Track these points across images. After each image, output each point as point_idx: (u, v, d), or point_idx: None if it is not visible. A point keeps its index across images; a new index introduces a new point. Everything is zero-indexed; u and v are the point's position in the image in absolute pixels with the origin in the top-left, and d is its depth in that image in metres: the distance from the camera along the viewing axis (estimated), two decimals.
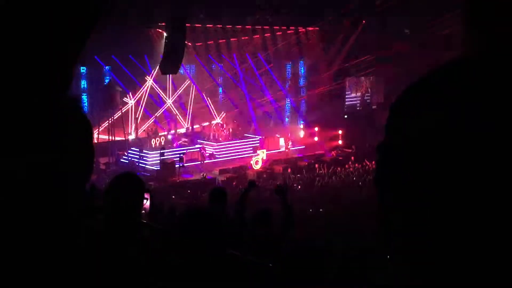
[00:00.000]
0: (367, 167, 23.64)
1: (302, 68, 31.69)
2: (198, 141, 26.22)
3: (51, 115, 0.85)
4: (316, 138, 29.16)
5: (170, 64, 21.24)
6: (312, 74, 30.55)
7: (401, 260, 0.86)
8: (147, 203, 5.93)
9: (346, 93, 31.62)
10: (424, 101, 0.89)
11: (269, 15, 26.25)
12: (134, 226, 2.74)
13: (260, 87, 29.99)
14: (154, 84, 26.45)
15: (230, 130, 27.69)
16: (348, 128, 28.76)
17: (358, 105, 32.22)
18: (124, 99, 25.57)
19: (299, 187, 21.21)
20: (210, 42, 28.03)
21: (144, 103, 26.17)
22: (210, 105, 28.88)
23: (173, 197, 18.78)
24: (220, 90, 30.24)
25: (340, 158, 26.57)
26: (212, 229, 2.27)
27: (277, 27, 29.00)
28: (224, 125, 27.74)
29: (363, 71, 30.32)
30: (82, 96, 24.21)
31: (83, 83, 24.36)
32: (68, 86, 0.88)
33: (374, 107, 31.61)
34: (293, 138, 28.25)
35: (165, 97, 27.27)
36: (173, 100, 27.48)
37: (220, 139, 26.59)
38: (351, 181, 22.05)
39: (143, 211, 4.85)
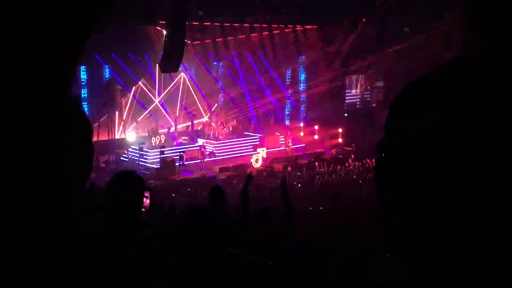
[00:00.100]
0: (367, 165, 23.65)
1: (302, 67, 31.68)
2: (198, 139, 26.27)
3: (51, 115, 0.85)
4: (316, 136, 29.18)
5: (170, 63, 21.20)
6: (312, 73, 30.54)
7: (400, 259, 0.86)
8: (147, 201, 5.93)
9: (346, 91, 31.62)
10: (424, 101, 0.89)
11: (268, 14, 26.22)
12: (134, 225, 2.74)
13: (260, 85, 29.98)
14: (145, 82, 26.42)
15: (230, 128, 27.70)
16: (348, 126, 28.77)
17: (358, 103, 32.23)
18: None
19: (299, 185, 21.22)
20: (208, 41, 28.03)
21: (132, 103, 26.08)
22: (198, 103, 28.68)
23: (173, 195, 18.80)
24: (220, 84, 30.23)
25: (340, 156, 26.58)
26: (212, 227, 2.27)
27: (276, 26, 28.99)
28: (224, 123, 27.75)
29: (363, 69, 30.33)
30: (82, 95, 24.18)
31: (83, 82, 24.33)
32: (68, 85, 0.88)
33: (374, 105, 31.62)
34: (293, 136, 28.25)
35: (152, 96, 27.04)
36: (159, 99, 27.25)
37: (220, 137, 26.59)
38: (351, 179, 22.06)
39: (143, 209, 4.84)
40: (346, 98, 31.72)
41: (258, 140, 26.99)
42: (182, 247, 2.29)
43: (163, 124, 27.06)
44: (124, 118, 25.93)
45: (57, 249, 0.84)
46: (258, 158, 24.94)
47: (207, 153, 25.14)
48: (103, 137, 24.35)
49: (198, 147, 25.20)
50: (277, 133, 28.24)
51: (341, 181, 21.95)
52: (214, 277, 2.20)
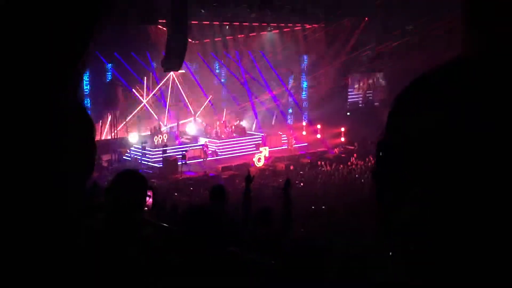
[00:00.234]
0: (369, 164, 23.62)
1: (305, 65, 31.68)
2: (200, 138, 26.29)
3: (51, 115, 0.85)
4: (318, 135, 29.18)
5: (173, 61, 21.21)
6: (314, 72, 30.53)
7: (400, 259, 0.86)
8: (150, 201, 5.94)
9: (349, 90, 31.60)
10: (424, 100, 0.89)
11: (271, 12, 26.23)
12: (137, 224, 2.74)
13: (262, 84, 29.99)
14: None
15: (233, 127, 27.72)
16: (350, 125, 28.75)
17: (360, 102, 32.20)
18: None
19: (302, 184, 21.21)
20: (210, 40, 28.02)
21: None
22: (187, 101, 28.57)
23: (176, 194, 18.80)
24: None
25: (343, 155, 26.57)
26: (213, 226, 2.27)
27: (279, 25, 29.00)
28: (227, 122, 27.76)
29: (366, 68, 30.31)
30: (84, 94, 24.21)
31: (85, 81, 24.36)
32: (69, 85, 0.89)
33: (376, 104, 31.59)
34: (295, 135, 28.26)
35: (140, 96, 26.86)
36: (148, 99, 27.11)
37: (223, 136, 26.60)
38: (354, 178, 22.04)
39: (146, 208, 4.85)
40: (349, 97, 31.70)
41: (260, 139, 26.99)
42: (183, 246, 2.30)
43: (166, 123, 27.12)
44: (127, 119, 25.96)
45: (57, 248, 0.84)
46: (260, 157, 24.94)
47: (210, 152, 25.16)
48: (106, 136, 24.41)
49: (201, 146, 25.21)
50: (279, 132, 28.24)
51: (343, 180, 21.93)
52: (215, 276, 2.20)
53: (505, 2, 0.83)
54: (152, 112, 27.27)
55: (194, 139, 26.64)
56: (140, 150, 24.01)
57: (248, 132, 28.09)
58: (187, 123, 28.12)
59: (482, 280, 0.73)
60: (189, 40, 22.53)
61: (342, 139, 28.75)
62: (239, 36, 29.05)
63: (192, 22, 23.48)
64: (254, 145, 26.71)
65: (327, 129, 29.09)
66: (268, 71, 29.91)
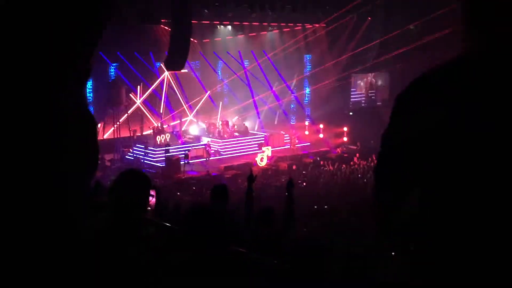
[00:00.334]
0: (372, 164, 23.60)
1: (308, 65, 31.67)
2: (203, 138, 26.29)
3: (51, 115, 0.85)
4: (321, 135, 29.17)
5: (176, 61, 21.22)
6: (317, 71, 30.50)
7: (401, 259, 0.86)
8: (153, 200, 5.94)
9: (351, 89, 31.56)
10: (425, 100, 0.89)
11: (273, 12, 26.21)
12: (139, 223, 2.74)
13: (265, 84, 29.99)
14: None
15: (235, 127, 27.72)
16: (353, 125, 28.72)
17: (363, 101, 32.15)
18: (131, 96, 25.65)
19: (304, 183, 21.19)
20: (206, 40, 28.00)
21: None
22: (182, 100, 28.44)
23: (178, 193, 18.80)
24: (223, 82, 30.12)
25: (345, 155, 26.54)
26: (215, 226, 2.28)
27: (282, 24, 28.99)
28: (230, 122, 27.76)
29: (368, 68, 30.25)
30: (88, 93, 24.25)
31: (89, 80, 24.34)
32: (69, 85, 0.89)
33: (379, 103, 31.54)
34: (298, 135, 28.25)
35: (134, 98, 26.76)
36: (141, 100, 26.94)
37: (225, 136, 26.60)
38: (356, 178, 22.01)
39: (149, 208, 4.85)
40: (351, 96, 31.65)
41: (263, 138, 26.99)
42: (185, 245, 2.30)
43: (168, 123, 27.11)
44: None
45: (58, 247, 0.85)
46: (263, 157, 24.93)
47: (212, 151, 25.16)
48: (109, 135, 24.44)
49: (203, 146, 25.22)
50: (282, 131, 28.23)
51: (346, 180, 21.90)
52: (217, 276, 2.21)
53: (505, 2, 0.83)
54: (146, 112, 27.08)
55: (197, 138, 26.64)
56: (143, 150, 24.03)
57: (250, 131, 28.09)
58: (184, 123, 28.06)
59: (482, 280, 0.74)
60: (192, 39, 22.56)
61: (345, 138, 28.73)
62: (240, 36, 29.04)
63: (193, 22, 23.45)
64: (256, 145, 26.71)
65: (330, 129, 29.08)
66: (271, 70, 29.90)
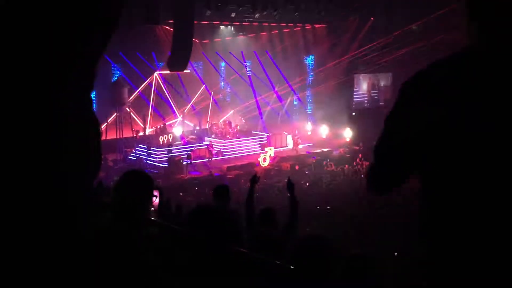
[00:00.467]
0: None
1: (310, 65, 31.66)
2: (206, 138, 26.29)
3: (51, 115, 0.85)
4: (323, 135, 29.17)
5: (178, 61, 21.22)
6: (319, 71, 30.49)
7: (403, 260, 0.87)
8: (156, 201, 5.94)
9: (354, 90, 31.52)
10: (429, 92, 0.90)
11: (276, 12, 26.20)
12: (142, 223, 2.75)
13: (267, 84, 29.98)
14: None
15: (238, 127, 27.72)
16: (355, 125, 28.68)
17: (365, 102, 32.11)
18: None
19: (307, 184, 21.18)
20: (216, 40, 27.99)
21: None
22: (172, 101, 28.23)
23: (181, 194, 18.81)
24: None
25: (348, 155, 26.51)
26: (217, 226, 2.28)
27: (284, 24, 28.99)
28: (232, 122, 27.75)
29: (371, 68, 30.21)
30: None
31: None
32: (69, 87, 0.89)
33: (381, 103, 31.50)
34: (300, 135, 28.24)
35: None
36: (129, 103, 26.38)
37: (228, 136, 26.60)
38: (359, 178, 21.99)
39: (152, 208, 4.85)
40: (354, 97, 31.62)
41: (265, 139, 26.99)
42: (188, 246, 2.31)
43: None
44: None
45: (58, 247, 0.85)
46: (265, 157, 24.93)
47: (215, 152, 25.17)
48: (111, 135, 24.44)
49: (206, 146, 25.23)
50: (284, 132, 28.22)
51: (348, 180, 21.89)
52: (220, 276, 2.21)
53: (505, 2, 0.83)
54: (133, 115, 26.68)
55: (199, 138, 26.62)
56: (145, 150, 24.04)
57: (253, 132, 28.09)
58: (173, 124, 27.80)
59: (482, 280, 0.74)
60: (195, 40, 22.57)
61: (347, 139, 28.69)
62: (241, 35, 29.03)
63: (195, 22, 23.45)
64: (259, 145, 26.71)
65: (332, 129, 29.06)
66: (274, 70, 29.90)
